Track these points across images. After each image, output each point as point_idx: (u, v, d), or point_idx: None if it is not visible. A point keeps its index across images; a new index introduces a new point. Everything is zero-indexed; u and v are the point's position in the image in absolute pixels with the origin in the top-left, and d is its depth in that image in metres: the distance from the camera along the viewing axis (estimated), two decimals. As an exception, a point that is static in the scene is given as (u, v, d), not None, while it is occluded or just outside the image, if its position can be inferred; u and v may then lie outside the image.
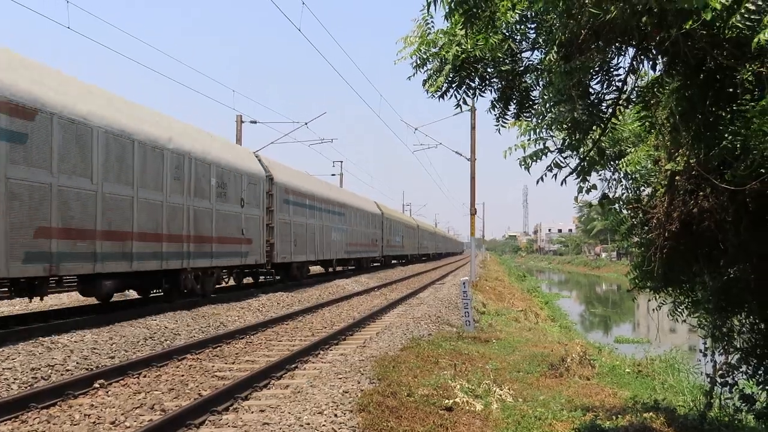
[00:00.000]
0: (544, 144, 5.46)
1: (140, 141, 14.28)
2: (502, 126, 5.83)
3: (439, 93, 5.55)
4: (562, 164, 5.47)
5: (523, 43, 5.50)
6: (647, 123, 5.84)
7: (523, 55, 5.59)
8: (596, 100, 4.86)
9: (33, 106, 11.19)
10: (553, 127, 5.34)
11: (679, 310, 6.95)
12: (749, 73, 3.95)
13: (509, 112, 5.79)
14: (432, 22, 5.28)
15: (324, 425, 6.35)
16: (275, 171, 22.90)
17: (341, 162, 66.43)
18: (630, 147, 6.44)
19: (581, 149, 5.44)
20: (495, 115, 5.79)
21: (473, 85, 5.56)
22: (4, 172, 10.51)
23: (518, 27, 5.35)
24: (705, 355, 7.06)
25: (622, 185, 6.62)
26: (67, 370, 8.89)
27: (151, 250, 14.55)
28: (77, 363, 9.26)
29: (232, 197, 18.93)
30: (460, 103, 5.62)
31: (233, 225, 18.90)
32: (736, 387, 6.63)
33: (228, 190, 18.61)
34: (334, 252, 30.86)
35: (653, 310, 7.26)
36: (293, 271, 25.34)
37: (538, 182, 5.62)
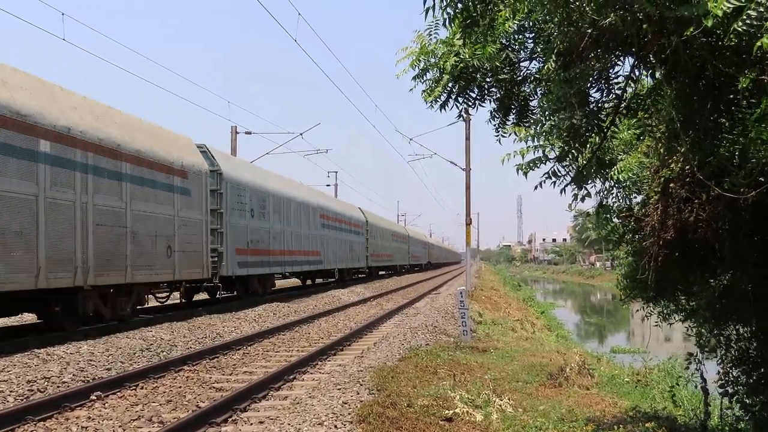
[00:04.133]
0: (543, 152, 5.47)
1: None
2: (502, 136, 5.83)
3: (438, 103, 5.55)
4: (560, 173, 5.48)
5: (521, 52, 5.52)
6: (644, 130, 5.86)
7: (522, 64, 5.61)
8: (595, 108, 4.88)
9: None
10: (551, 135, 5.36)
11: (672, 317, 6.95)
12: (748, 80, 3.97)
13: (508, 122, 5.80)
14: (436, 33, 5.28)
15: (324, 436, 6.31)
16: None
17: (336, 172, 66.00)
18: (621, 154, 6.45)
19: (579, 158, 5.45)
20: (494, 125, 5.80)
21: (472, 95, 5.57)
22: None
23: (516, 37, 5.37)
24: (689, 362, 7.04)
25: (612, 194, 6.63)
26: (64, 382, 8.82)
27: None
28: (73, 375, 9.20)
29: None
30: (462, 113, 5.62)
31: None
32: (736, 396, 6.61)
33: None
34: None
35: (642, 319, 7.26)
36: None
37: (536, 188, 5.62)
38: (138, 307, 15.96)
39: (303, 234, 27.20)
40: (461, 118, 5.77)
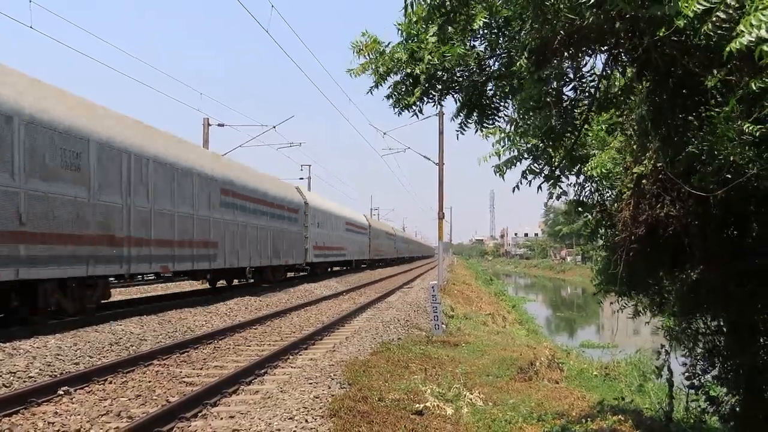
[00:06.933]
0: (518, 151, 5.48)
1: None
2: (462, 132, 5.78)
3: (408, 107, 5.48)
4: (536, 170, 5.51)
5: (488, 50, 5.50)
6: (617, 127, 5.93)
7: (488, 61, 5.58)
8: (569, 107, 4.90)
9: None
10: (527, 135, 5.37)
11: (642, 311, 7.06)
12: (716, 79, 4.03)
13: (471, 119, 5.77)
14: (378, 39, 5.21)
15: (295, 431, 6.30)
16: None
17: (309, 166, 65.48)
18: (595, 151, 6.51)
19: (554, 157, 5.48)
20: (458, 122, 5.77)
21: (433, 93, 5.51)
22: None
23: (483, 32, 5.34)
24: (659, 355, 7.16)
25: (586, 190, 6.69)
26: (30, 377, 8.67)
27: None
28: (40, 369, 9.05)
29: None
30: (416, 112, 5.53)
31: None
32: (702, 389, 6.74)
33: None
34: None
35: (614, 312, 7.36)
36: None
37: (514, 190, 5.63)
38: None
39: (180, 214, 17.96)
40: (416, 117, 5.69)
